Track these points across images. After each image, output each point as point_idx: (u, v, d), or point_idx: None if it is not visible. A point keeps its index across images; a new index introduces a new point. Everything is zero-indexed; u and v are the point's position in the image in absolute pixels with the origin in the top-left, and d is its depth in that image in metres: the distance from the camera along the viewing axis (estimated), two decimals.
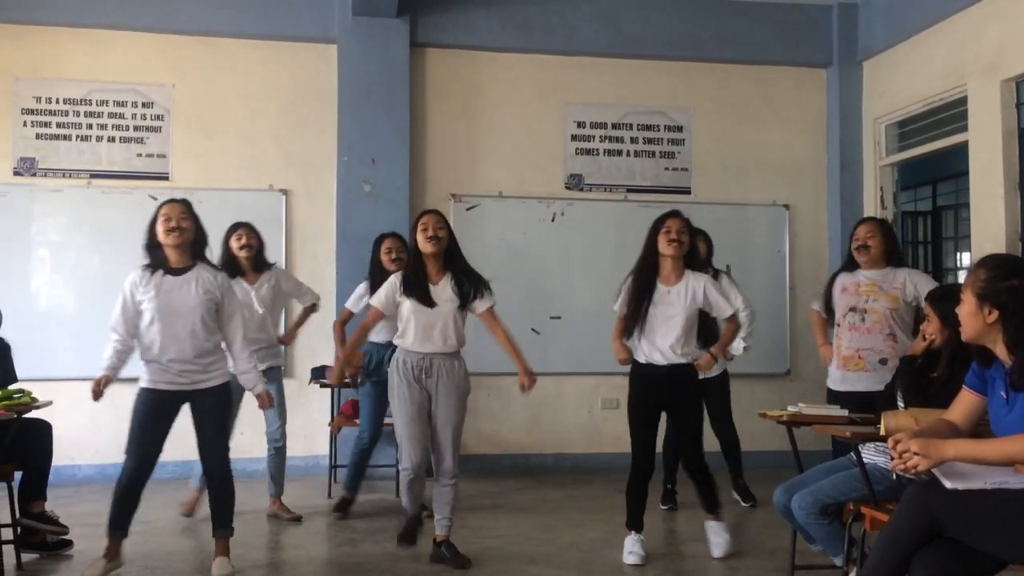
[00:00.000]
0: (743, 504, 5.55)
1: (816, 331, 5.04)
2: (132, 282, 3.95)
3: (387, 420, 4.93)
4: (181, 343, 3.89)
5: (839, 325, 4.67)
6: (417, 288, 4.17)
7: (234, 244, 5.07)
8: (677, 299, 4.27)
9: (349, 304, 5.39)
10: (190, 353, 3.90)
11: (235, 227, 5.14)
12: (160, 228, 3.94)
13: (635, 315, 4.28)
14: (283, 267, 5.45)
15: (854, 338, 4.61)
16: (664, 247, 4.28)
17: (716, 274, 5.62)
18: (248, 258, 5.08)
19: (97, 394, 3.85)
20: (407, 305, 4.17)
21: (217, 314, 3.99)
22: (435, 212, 4.32)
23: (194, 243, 4.01)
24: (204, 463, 4.02)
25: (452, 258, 4.27)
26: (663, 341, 4.25)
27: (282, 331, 5.55)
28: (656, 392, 4.29)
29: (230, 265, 4.99)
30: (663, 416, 4.42)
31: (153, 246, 3.98)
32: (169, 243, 3.93)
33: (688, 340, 4.31)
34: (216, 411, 4.00)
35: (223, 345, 4.06)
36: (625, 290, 4.39)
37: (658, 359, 4.26)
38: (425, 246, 4.19)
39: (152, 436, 3.92)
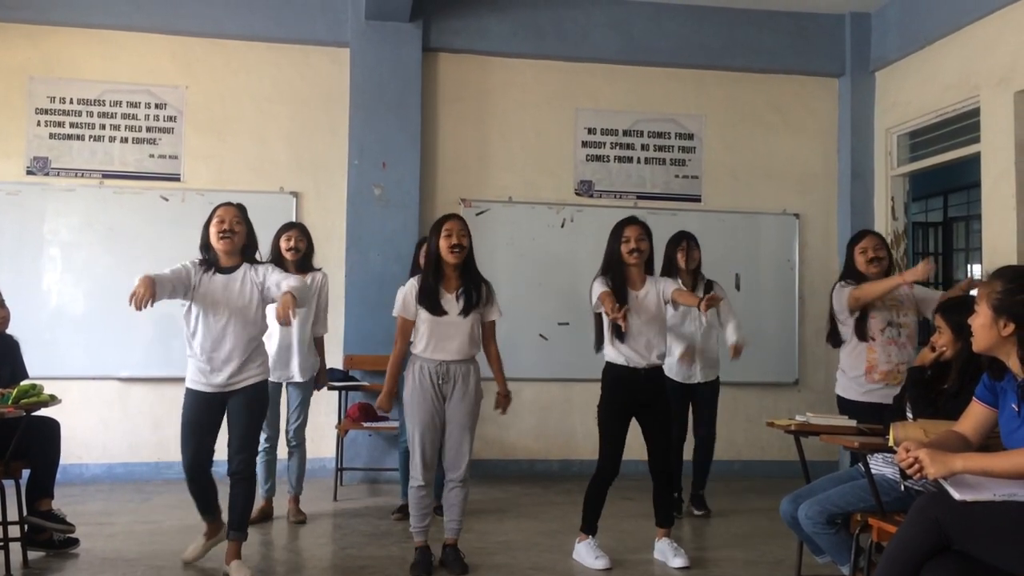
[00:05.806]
0: (696, 513, 5.52)
1: (872, 287, 4.41)
2: (193, 262, 4.00)
3: None
4: (219, 341, 3.93)
5: (873, 339, 4.51)
6: (428, 297, 4.11)
7: (283, 244, 5.16)
8: (648, 301, 4.37)
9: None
10: (228, 351, 3.93)
11: (286, 227, 5.24)
12: (213, 230, 4.00)
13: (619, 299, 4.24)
14: (327, 277, 5.35)
15: (894, 352, 4.50)
16: (626, 257, 4.37)
17: (710, 284, 5.54)
18: (294, 261, 5.14)
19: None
20: (421, 313, 4.13)
21: (263, 307, 4.02)
22: (458, 218, 4.23)
23: (245, 247, 4.04)
24: (230, 463, 4.01)
25: (469, 266, 4.21)
26: (639, 343, 4.33)
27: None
28: (632, 394, 4.34)
29: (277, 264, 5.09)
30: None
31: (206, 246, 4.03)
32: (220, 248, 3.99)
33: (661, 341, 4.43)
34: (249, 411, 4.00)
35: (264, 340, 4.13)
36: (600, 285, 4.34)
37: (636, 361, 4.32)
38: (448, 255, 4.10)
39: (197, 439, 3.99)
